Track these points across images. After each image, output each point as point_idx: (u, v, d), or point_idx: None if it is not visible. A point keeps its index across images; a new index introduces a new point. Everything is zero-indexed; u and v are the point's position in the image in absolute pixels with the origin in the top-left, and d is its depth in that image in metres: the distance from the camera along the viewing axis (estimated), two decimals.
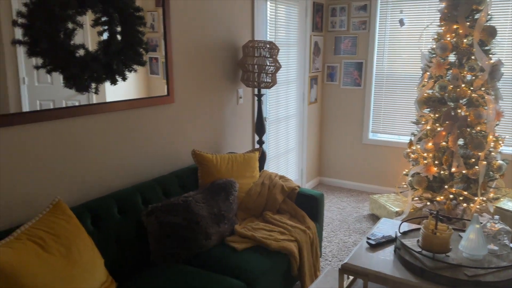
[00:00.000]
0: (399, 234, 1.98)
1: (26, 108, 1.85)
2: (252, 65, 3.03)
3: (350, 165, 4.82)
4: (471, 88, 3.32)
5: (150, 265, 2.19)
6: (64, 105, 2.00)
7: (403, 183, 3.80)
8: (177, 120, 2.72)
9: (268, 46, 3.03)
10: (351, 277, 1.94)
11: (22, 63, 1.82)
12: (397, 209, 3.68)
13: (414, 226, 2.07)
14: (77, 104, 2.05)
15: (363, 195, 4.60)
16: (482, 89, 3.31)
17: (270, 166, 3.95)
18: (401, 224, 2.04)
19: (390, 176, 4.56)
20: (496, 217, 1.78)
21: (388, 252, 1.89)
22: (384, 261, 1.82)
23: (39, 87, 1.90)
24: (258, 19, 3.46)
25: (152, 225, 2.18)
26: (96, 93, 2.10)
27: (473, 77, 3.33)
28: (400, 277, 1.69)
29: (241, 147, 3.43)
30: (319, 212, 2.78)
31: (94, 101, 2.12)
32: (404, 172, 3.78)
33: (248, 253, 2.24)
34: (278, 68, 3.09)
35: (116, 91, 2.24)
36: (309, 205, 2.77)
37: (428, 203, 3.57)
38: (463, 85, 3.31)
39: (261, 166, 3.27)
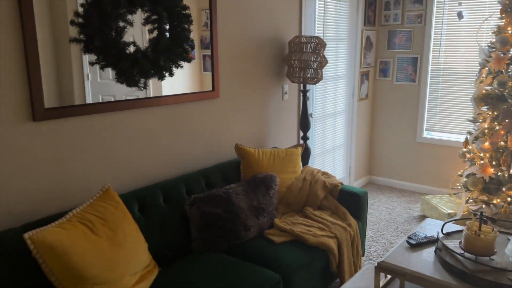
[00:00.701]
0: (441, 235, 1.90)
1: (89, 101, 2.02)
2: (297, 61, 3.04)
3: (402, 164, 4.65)
4: None
5: (191, 253, 2.28)
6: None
7: (457, 184, 3.61)
8: (221, 114, 2.80)
9: (314, 41, 3.01)
10: (389, 277, 1.89)
11: (86, 60, 1.99)
12: (449, 211, 3.50)
13: (459, 227, 1.98)
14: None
15: (415, 196, 4.42)
16: None
17: (316, 163, 3.93)
18: (444, 224, 1.96)
19: (444, 177, 4.34)
20: None
21: (428, 253, 1.82)
22: (423, 261, 1.76)
23: (101, 83, 2.06)
24: (306, 15, 3.45)
25: (194, 214, 2.27)
26: (145, 88, 2.23)
27: None
28: (439, 278, 1.63)
29: (285, 143, 3.44)
30: (362, 210, 2.73)
31: (149, 96, 2.26)
32: (459, 173, 3.60)
33: (285, 247, 2.26)
34: (323, 63, 3.07)
35: (171, 87, 2.37)
36: (351, 203, 2.73)
37: (484, 206, 3.37)
38: None
39: (305, 162, 3.27)
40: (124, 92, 2.16)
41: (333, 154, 4.22)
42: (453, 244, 1.77)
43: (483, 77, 3.31)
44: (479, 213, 1.65)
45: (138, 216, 2.11)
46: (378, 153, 4.82)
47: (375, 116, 4.76)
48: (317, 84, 3.75)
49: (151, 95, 2.29)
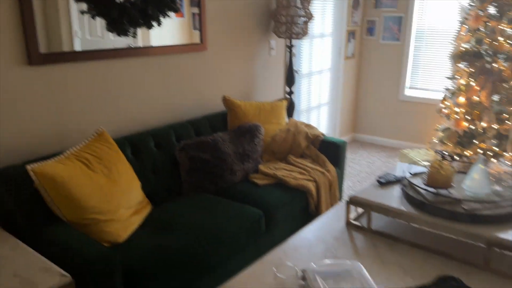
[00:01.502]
0: (408, 175, 2.09)
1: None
2: (283, 16, 3.12)
3: (385, 122, 4.84)
4: (510, 42, 3.22)
5: (181, 195, 2.46)
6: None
7: (434, 138, 3.81)
8: (209, 67, 2.91)
9: None
10: (360, 211, 2.09)
11: (75, 17, 2.07)
12: (425, 163, 3.72)
13: (425, 169, 2.16)
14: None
15: (395, 151, 4.64)
16: None
17: (301, 119, 4.09)
18: (412, 166, 2.15)
19: (424, 133, 4.55)
20: (503, 160, 1.84)
21: (395, 190, 2.02)
22: (389, 196, 1.95)
23: (91, 41, 2.15)
24: None
25: (184, 159, 2.43)
26: (134, 36, 2.33)
27: None
28: (401, 208, 1.83)
29: (271, 97, 3.58)
30: (340, 158, 2.92)
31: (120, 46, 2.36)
32: (436, 128, 3.79)
33: (268, 188, 2.45)
34: (309, 18, 3.16)
35: (162, 41, 2.47)
36: (331, 152, 2.91)
37: (457, 158, 3.58)
38: (501, 39, 3.22)
39: (290, 117, 3.42)
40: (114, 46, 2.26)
41: (318, 111, 4.38)
42: (417, 181, 1.97)
43: (461, 34, 3.44)
44: (440, 151, 1.83)
45: (131, 159, 2.27)
46: (362, 111, 4.99)
47: (361, 75, 4.89)
48: (303, 41, 3.84)
49: (141, 45, 2.39)
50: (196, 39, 2.74)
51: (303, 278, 1.56)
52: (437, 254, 1.75)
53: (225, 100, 2.83)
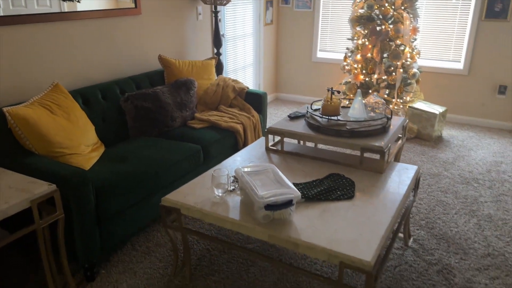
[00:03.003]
0: (310, 110, 2.73)
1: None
2: None
3: (302, 81, 5.53)
4: (393, 7, 3.98)
5: (128, 138, 2.89)
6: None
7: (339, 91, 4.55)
8: (145, 29, 3.29)
9: None
10: (276, 139, 2.70)
11: None
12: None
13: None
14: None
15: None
16: (402, 8, 3.98)
17: None
18: (312, 103, 2.80)
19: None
20: (375, 94, 2.52)
21: (301, 121, 2.65)
22: (297, 125, 2.58)
23: (14, 11, 2.41)
24: None
25: (129, 108, 2.85)
26: (78, 1, 2.66)
27: None
28: (304, 132, 2.46)
29: (201, 57, 4.04)
30: (263, 106, 3.51)
31: (66, 9, 2.67)
32: (340, 82, 4.53)
33: (204, 130, 2.97)
34: None
35: (99, 5, 2.80)
36: (255, 101, 3.49)
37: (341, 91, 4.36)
38: (386, 5, 3.97)
39: (219, 75, 3.92)
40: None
41: (244, 72, 4.92)
42: (316, 113, 2.62)
43: (357, 1, 4.14)
44: (330, 88, 2.47)
45: (83, 108, 2.64)
46: (282, 72, 5.63)
47: (279, 40, 5.50)
48: (227, 7, 4.31)
49: (78, 10, 2.72)
50: (131, 4, 3.10)
51: (235, 177, 2.13)
52: (329, 162, 2.41)
53: (161, 59, 3.25)
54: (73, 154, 2.27)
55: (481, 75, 4.47)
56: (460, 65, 4.55)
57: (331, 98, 2.49)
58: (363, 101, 2.55)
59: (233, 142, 3.10)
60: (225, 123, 3.04)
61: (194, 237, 2.49)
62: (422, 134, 4.12)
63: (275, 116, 4.92)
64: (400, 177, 2.23)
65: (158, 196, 2.42)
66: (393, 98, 4.19)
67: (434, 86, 4.71)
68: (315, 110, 2.74)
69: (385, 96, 4.16)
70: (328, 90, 2.50)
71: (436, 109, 4.10)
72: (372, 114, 2.59)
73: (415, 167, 2.35)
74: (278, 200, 1.74)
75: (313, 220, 1.82)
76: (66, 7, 2.64)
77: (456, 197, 3.01)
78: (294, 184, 2.11)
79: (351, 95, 4.31)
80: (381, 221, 1.81)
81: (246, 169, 2.00)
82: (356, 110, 2.53)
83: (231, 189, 2.07)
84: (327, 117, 2.51)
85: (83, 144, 2.37)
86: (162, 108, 2.91)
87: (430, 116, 4.02)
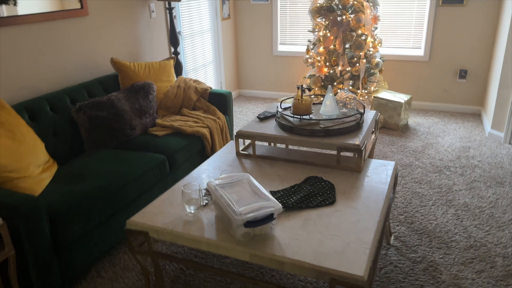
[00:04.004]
0: (280, 109, 2.59)
1: None
2: None
3: (264, 76, 5.38)
4: None
5: (84, 152, 2.63)
6: None
7: (304, 85, 4.45)
8: (93, 31, 3.01)
9: None
10: (247, 142, 2.54)
11: None
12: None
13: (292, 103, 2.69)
14: None
15: (275, 101, 5.24)
16: None
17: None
18: (282, 101, 2.66)
19: (296, 82, 5.21)
20: (345, 88, 2.42)
21: (271, 122, 2.50)
22: (267, 127, 2.43)
23: None
24: None
25: (82, 119, 2.59)
26: (15, 4, 2.36)
27: None
28: (276, 134, 2.31)
29: (158, 58, 3.80)
30: (228, 106, 3.33)
31: (5, 14, 2.37)
32: (304, 76, 4.42)
33: (167, 137, 2.76)
34: None
35: (42, 7, 2.50)
36: (219, 102, 3.31)
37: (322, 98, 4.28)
38: None
39: (178, 75, 3.70)
40: None
41: (204, 70, 4.71)
42: (287, 112, 2.48)
43: None
44: (300, 86, 2.34)
45: (29, 123, 2.36)
46: (243, 68, 5.45)
47: (238, 34, 5.31)
48: (182, 3, 4.08)
49: (5, 14, 2.40)
50: (77, 5, 2.82)
51: (207, 190, 1.95)
52: (304, 164, 2.29)
53: (114, 62, 2.99)
54: (21, 178, 2.00)
55: (442, 61, 4.51)
56: (421, 52, 4.57)
57: (301, 97, 2.36)
58: (335, 97, 2.44)
59: (200, 147, 2.91)
60: (190, 128, 2.85)
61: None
62: (389, 123, 4.10)
63: (241, 115, 4.75)
64: (379, 175, 2.13)
65: (123, 214, 2.21)
66: (358, 89, 4.13)
67: (397, 75, 4.71)
68: (285, 109, 2.61)
69: (350, 87, 4.09)
70: (298, 88, 2.37)
71: (401, 97, 4.09)
72: (344, 110, 2.49)
73: (392, 163, 2.27)
74: (258, 215, 1.58)
75: (296, 231, 1.69)
76: (5, 11, 2.33)
77: (431, 187, 2.98)
78: (271, 192, 1.96)
79: (316, 89, 4.21)
80: (367, 227, 1.70)
81: (219, 181, 1.83)
82: (328, 107, 2.41)
83: (204, 203, 1.89)
84: (299, 116, 2.38)
85: (32, 165, 2.10)
86: (119, 116, 2.67)
87: (396, 105, 4.00)
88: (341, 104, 2.51)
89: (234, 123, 4.44)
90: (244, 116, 4.69)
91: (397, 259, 2.24)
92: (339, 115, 2.43)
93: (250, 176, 1.87)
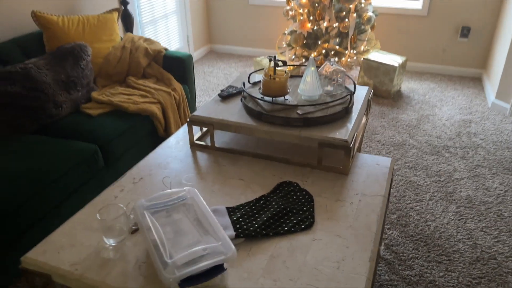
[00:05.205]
0: (248, 85, 2.01)
1: None
2: None
3: (239, 30, 4.69)
4: None
5: None
6: None
7: (283, 42, 3.81)
8: None
9: None
10: (205, 129, 1.99)
11: None
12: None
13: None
14: None
15: (251, 60, 4.60)
16: None
17: (147, 33, 3.68)
18: (250, 75, 2.06)
19: (275, 39, 4.55)
20: (332, 59, 1.86)
21: (236, 103, 1.93)
22: (230, 110, 1.86)
23: None
24: None
25: None
26: None
27: None
28: (241, 122, 1.75)
29: (100, 9, 3.07)
30: (188, 73, 2.72)
31: None
32: (284, 32, 3.77)
33: (103, 118, 2.16)
34: None
35: None
36: (177, 68, 2.68)
37: (304, 60, 3.68)
38: None
39: (130, 31, 3.02)
40: None
41: (165, 22, 3.99)
42: (256, 91, 1.90)
43: None
44: (272, 57, 1.76)
45: None
46: (215, 20, 4.73)
47: None
48: None
49: None
50: None
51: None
52: (276, 161, 1.76)
53: (36, 17, 2.31)
54: None
55: (442, 16, 3.90)
56: (419, 4, 3.93)
57: (274, 72, 1.77)
58: (317, 72, 1.86)
59: (149, 129, 2.34)
60: (134, 106, 2.25)
61: None
62: (380, 90, 3.56)
63: (211, 76, 4.12)
64: (371, 180, 1.63)
65: (37, 232, 1.67)
66: (346, 49, 3.53)
67: (390, 31, 4.09)
68: (255, 84, 2.03)
69: (336, 47, 3.49)
70: (270, 60, 1.77)
71: (395, 60, 3.52)
72: (329, 87, 1.92)
73: (388, 161, 1.76)
74: (200, 269, 1.07)
75: (257, 279, 1.19)
76: None
77: (428, 175, 2.52)
78: (228, 209, 1.44)
79: (298, 48, 3.59)
80: (356, 271, 1.22)
81: (150, 203, 1.29)
82: (308, 85, 1.84)
83: (134, 228, 1.37)
84: (271, 98, 1.81)
85: None
86: (38, 91, 2.05)
87: (389, 69, 3.44)
88: (325, 80, 1.94)
89: (203, 88, 3.82)
90: (214, 79, 4.06)
91: (388, 279, 1.80)
92: (323, 95, 1.87)
93: (197, 193, 1.34)
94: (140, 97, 2.33)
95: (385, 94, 3.55)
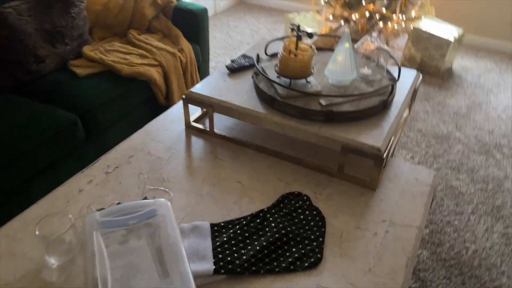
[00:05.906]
0: (265, 57, 1.61)
1: None
2: None
3: None
4: None
5: None
6: None
7: (312, 33, 3.29)
8: None
9: None
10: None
11: None
12: (309, 30, 3.26)
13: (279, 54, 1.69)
14: None
15: (282, 16, 4.09)
16: None
17: None
18: (268, 43, 1.65)
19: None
20: (374, 34, 1.44)
21: (246, 80, 1.54)
22: (237, 89, 1.48)
23: None
24: None
25: None
26: None
27: None
28: (246, 107, 1.38)
29: None
30: (201, 31, 2.31)
31: None
32: None
33: (91, 80, 1.83)
34: None
35: None
36: (189, 23, 2.28)
37: (344, 22, 3.17)
38: None
39: None
40: None
41: None
42: (270, 70, 1.51)
43: None
44: (295, 27, 1.34)
45: None
46: None
47: None
48: None
49: None
50: None
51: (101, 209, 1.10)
52: (286, 160, 1.40)
53: None
54: None
55: None
56: None
57: (296, 47, 1.36)
58: (353, 49, 1.43)
59: (147, 96, 2.00)
60: (129, 68, 1.89)
61: None
62: (428, 65, 3.05)
63: (236, 32, 3.67)
64: (405, 200, 1.25)
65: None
66: (394, 13, 2.99)
67: None
68: (273, 57, 1.62)
69: (383, 10, 2.95)
70: (292, 30, 1.36)
71: (450, 31, 2.96)
72: (365, 70, 1.50)
73: (431, 175, 1.36)
74: None
75: None
76: None
77: (473, 180, 2.10)
78: (213, 227, 1.12)
79: (337, 7, 3.07)
80: None
81: (107, 218, 0.98)
82: (339, 66, 1.42)
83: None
84: (289, 80, 1.41)
85: None
86: (16, 41, 1.72)
87: (442, 43, 2.90)
88: (362, 59, 1.51)
89: (224, 46, 3.40)
90: (238, 35, 3.62)
91: None
92: (357, 79, 1.46)
93: (169, 208, 1.01)
94: (139, 57, 1.97)
95: (434, 72, 3.04)
